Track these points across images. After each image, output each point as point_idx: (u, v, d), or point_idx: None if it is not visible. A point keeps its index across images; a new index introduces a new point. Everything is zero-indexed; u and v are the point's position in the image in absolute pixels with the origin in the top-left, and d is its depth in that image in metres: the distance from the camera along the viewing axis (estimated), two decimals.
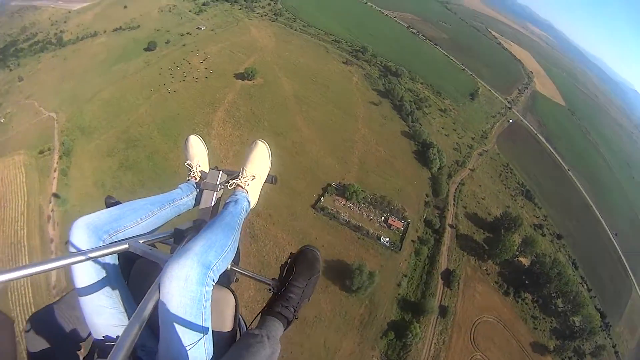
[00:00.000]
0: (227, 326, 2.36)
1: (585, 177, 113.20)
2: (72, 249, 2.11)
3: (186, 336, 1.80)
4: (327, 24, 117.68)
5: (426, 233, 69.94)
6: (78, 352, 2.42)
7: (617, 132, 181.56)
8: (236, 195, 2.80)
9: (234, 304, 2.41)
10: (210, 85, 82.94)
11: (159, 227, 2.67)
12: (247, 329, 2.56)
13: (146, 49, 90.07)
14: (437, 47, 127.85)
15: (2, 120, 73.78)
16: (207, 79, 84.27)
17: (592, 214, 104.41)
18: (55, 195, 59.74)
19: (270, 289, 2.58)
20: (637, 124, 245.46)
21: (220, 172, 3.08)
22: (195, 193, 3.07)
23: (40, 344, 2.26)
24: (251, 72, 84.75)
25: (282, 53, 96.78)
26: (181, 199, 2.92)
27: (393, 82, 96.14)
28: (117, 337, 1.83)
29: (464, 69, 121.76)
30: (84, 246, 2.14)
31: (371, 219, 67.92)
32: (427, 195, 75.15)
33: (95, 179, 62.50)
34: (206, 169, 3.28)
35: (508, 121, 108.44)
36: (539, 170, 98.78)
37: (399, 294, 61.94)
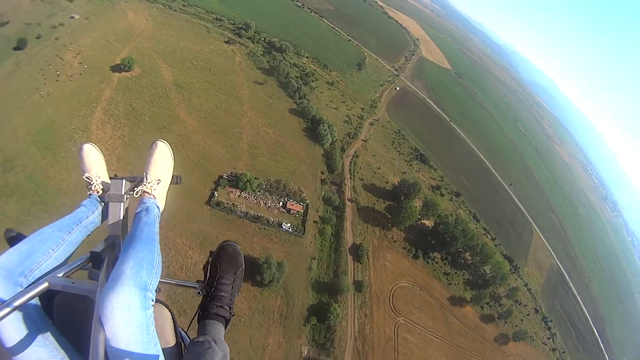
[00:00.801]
0: (170, 341, 2.33)
1: (475, 136, 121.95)
2: None
3: None
4: (208, 1, 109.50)
5: (327, 211, 69.31)
6: None
7: (502, 91, 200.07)
8: (145, 203, 2.64)
9: (171, 317, 2.41)
10: (86, 82, 72.68)
11: (72, 253, 2.41)
12: (189, 338, 2.53)
13: (16, 48, 74.74)
14: (323, 19, 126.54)
15: None
16: (81, 75, 73.37)
17: (485, 169, 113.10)
18: None
19: (199, 292, 2.56)
20: (519, 81, 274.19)
21: (123, 180, 2.78)
22: (100, 208, 2.79)
23: None
24: (128, 62, 75.69)
25: (160, 37, 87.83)
26: (87, 217, 2.65)
27: (278, 58, 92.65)
28: None
29: (350, 40, 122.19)
30: (1, 296, 1.87)
31: (269, 207, 65.45)
32: (322, 173, 74.23)
33: None
34: (107, 179, 3.00)
35: (395, 88, 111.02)
36: (430, 133, 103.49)
37: (311, 278, 61.57)
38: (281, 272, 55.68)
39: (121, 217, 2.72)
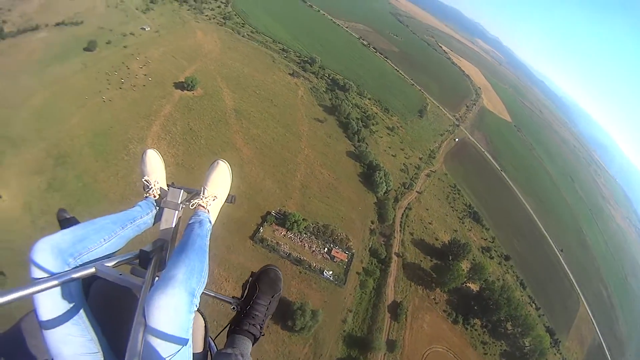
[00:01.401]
0: (199, 347, 2.42)
1: (530, 194, 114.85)
2: (37, 275, 1.95)
3: None
4: (276, 31, 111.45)
5: (372, 263, 65.83)
6: None
7: (560, 146, 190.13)
8: (199, 216, 2.72)
9: (204, 324, 2.52)
10: (148, 94, 74.42)
11: (120, 247, 2.51)
12: (216, 348, 2.64)
13: (86, 49, 79.11)
14: (387, 60, 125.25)
15: None
16: (145, 87, 75.48)
17: (538, 231, 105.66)
18: None
19: (233, 308, 2.66)
20: (578, 136, 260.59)
21: (181, 190, 2.91)
22: (154, 211, 2.92)
23: None
24: (192, 81, 76.99)
25: (226, 61, 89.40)
26: (141, 218, 2.77)
27: (340, 97, 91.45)
28: None
29: (413, 85, 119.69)
30: (48, 272, 1.96)
31: (313, 251, 62.72)
32: (372, 222, 70.93)
33: (22, 201, 54.10)
34: (164, 186, 3.16)
35: (455, 139, 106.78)
36: (486, 189, 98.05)
37: (344, 331, 57.98)
38: (314, 321, 52.77)
39: (173, 225, 2.75)
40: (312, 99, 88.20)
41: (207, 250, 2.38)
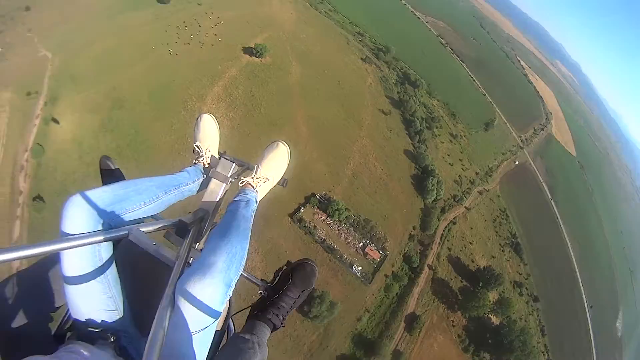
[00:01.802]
0: (217, 326, 2.18)
1: (577, 239, 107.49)
2: (68, 229, 1.85)
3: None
4: (355, 13, 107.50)
5: (402, 269, 63.90)
6: (48, 325, 2.17)
7: (618, 196, 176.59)
8: (247, 195, 2.54)
9: (228, 307, 2.42)
10: (215, 54, 73.50)
11: (159, 212, 2.39)
12: (234, 330, 2.53)
13: (160, 1, 79.47)
14: (463, 65, 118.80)
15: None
16: (213, 46, 74.88)
17: (574, 279, 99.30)
18: (34, 145, 53.55)
19: (261, 292, 2.53)
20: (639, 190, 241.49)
21: (234, 164, 2.73)
22: (201, 180, 2.76)
23: (5, 312, 2.04)
24: (261, 49, 75.42)
25: (299, 34, 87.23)
26: (186, 185, 2.60)
27: (409, 92, 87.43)
28: (102, 321, 1.90)
29: (484, 95, 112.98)
30: (81, 229, 1.86)
31: (348, 243, 61.38)
32: (414, 228, 68.40)
33: (75, 134, 55.50)
34: (216, 154, 2.94)
35: (515, 162, 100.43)
36: (534, 222, 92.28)
37: (356, 329, 57.15)
38: (330, 313, 52.24)
39: (217, 199, 2.61)
40: (380, 88, 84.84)
41: (249, 233, 2.16)
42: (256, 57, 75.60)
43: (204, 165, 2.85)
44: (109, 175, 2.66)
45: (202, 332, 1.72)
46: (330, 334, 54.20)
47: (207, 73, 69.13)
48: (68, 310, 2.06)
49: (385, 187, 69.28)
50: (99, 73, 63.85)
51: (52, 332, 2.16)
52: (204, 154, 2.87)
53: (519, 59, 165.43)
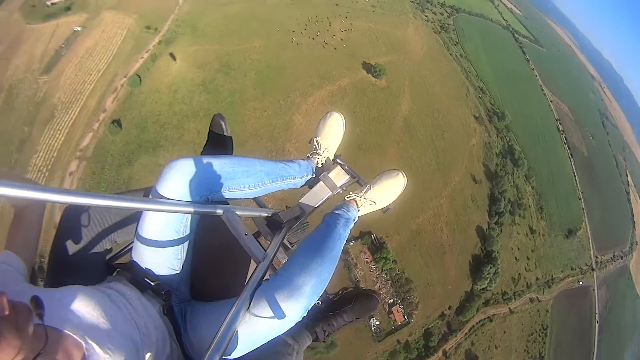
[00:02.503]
0: None
1: None
2: (163, 191, 1.63)
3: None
4: (484, 67, 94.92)
5: (417, 342, 54.25)
6: (105, 255, 1.92)
7: None
8: (349, 211, 2.18)
9: None
10: (335, 58, 66.90)
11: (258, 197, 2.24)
12: None
13: None
14: (571, 159, 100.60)
15: None
16: (335, 50, 68.56)
17: None
18: (133, 75, 52.71)
19: (318, 302, 2.31)
20: None
21: (347, 176, 2.42)
22: (309, 177, 2.41)
23: (70, 235, 1.79)
24: (380, 70, 67.40)
25: (422, 69, 77.76)
26: (294, 179, 2.30)
27: (507, 168, 74.49)
28: (160, 275, 1.71)
29: (580, 199, 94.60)
30: (178, 196, 1.63)
31: (379, 294, 52.75)
32: (449, 308, 58.12)
33: (173, 81, 53.43)
34: (331, 156, 2.56)
35: (579, 282, 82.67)
36: (568, 353, 75.75)
37: None
38: (326, 351, 45.38)
39: (318, 205, 2.29)
40: (481, 153, 73.16)
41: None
42: (373, 75, 68.01)
43: (317, 164, 2.43)
44: (218, 141, 2.33)
45: (262, 342, 1.53)
46: None
47: (320, 73, 63.17)
48: (129, 247, 1.86)
49: (441, 255, 59.24)
50: (219, 34, 60.84)
51: (106, 259, 1.89)
52: (321, 153, 2.44)
53: (627, 172, 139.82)
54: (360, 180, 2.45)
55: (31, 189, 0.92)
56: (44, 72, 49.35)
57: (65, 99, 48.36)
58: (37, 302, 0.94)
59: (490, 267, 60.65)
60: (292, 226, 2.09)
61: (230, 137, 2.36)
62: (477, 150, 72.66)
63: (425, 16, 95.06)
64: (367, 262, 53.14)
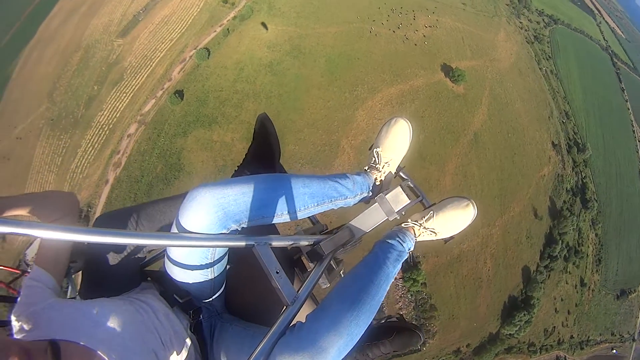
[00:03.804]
0: None
1: None
2: (187, 225, 1.26)
3: None
4: (575, 88, 72.74)
5: None
6: (139, 264, 1.62)
7: None
8: (403, 242, 1.63)
9: None
10: (413, 55, 51.97)
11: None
12: None
13: None
14: None
15: None
16: (415, 46, 53.14)
17: None
18: (202, 48, 44.73)
19: None
20: None
21: (409, 201, 1.74)
22: (364, 196, 1.74)
23: (103, 245, 1.51)
24: (459, 75, 51.89)
25: (506, 81, 59.49)
26: (346, 198, 1.64)
27: (574, 209, 56.37)
28: (191, 291, 1.41)
29: None
30: (201, 230, 1.25)
31: (400, 314, 40.74)
32: (467, 346, 45.53)
33: (241, 58, 44.21)
34: (394, 169, 1.85)
35: (614, 350, 61.50)
36: None
37: None
38: None
39: (369, 230, 1.70)
40: (550, 186, 55.44)
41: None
42: (450, 80, 52.10)
43: (376, 180, 1.76)
44: (264, 144, 1.84)
45: None
46: None
47: (393, 70, 48.97)
48: (162, 253, 1.55)
49: (476, 289, 45.60)
50: (295, 15, 49.07)
51: (139, 265, 1.58)
52: (381, 168, 1.76)
53: None
54: (424, 199, 1.78)
55: (54, 229, 0.82)
56: (120, 35, 44.19)
57: (136, 63, 42.97)
58: (53, 350, 0.88)
59: (524, 314, 46.26)
60: (336, 253, 1.54)
61: (277, 139, 1.81)
62: (547, 182, 54.84)
63: (520, 22, 73.79)
64: (395, 278, 41.10)
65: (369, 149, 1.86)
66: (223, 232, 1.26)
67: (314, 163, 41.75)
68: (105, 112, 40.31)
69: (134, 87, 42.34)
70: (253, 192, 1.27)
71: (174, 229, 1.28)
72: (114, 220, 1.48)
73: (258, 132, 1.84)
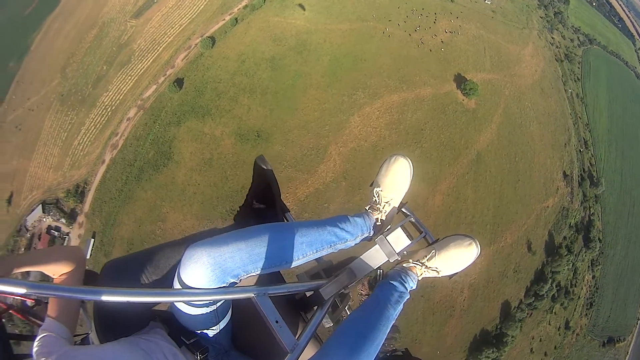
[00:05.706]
0: None
1: None
2: (186, 281, 1.10)
3: None
4: (600, 116, 54.69)
5: None
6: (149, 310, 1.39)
7: None
8: (405, 282, 1.40)
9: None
10: (426, 61, 38.41)
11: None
12: None
13: None
14: None
15: None
16: (430, 52, 39.44)
17: None
18: (207, 37, 35.99)
19: None
20: None
21: (410, 241, 1.49)
22: (364, 236, 1.50)
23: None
24: (472, 88, 37.89)
25: (524, 99, 44.11)
26: (346, 242, 1.41)
27: (574, 247, 41.31)
28: (198, 333, 1.24)
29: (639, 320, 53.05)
30: (200, 285, 1.10)
31: (405, 348, 31.22)
32: None
33: (244, 50, 34.43)
34: (396, 204, 1.57)
35: None
36: None
37: None
38: None
39: (370, 271, 1.43)
40: (552, 219, 41.00)
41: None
42: (462, 92, 38.33)
43: (377, 221, 1.50)
44: (260, 176, 1.52)
45: None
46: None
47: (400, 75, 36.48)
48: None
49: (447, 317, 34.15)
50: (310, 10, 35.85)
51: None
52: (381, 208, 1.50)
53: None
54: (427, 235, 1.52)
55: (59, 290, 0.75)
56: (134, 16, 36.82)
57: (144, 46, 35.73)
58: None
59: (493, 351, 34.24)
60: (337, 295, 1.31)
61: (275, 179, 1.50)
62: (549, 215, 40.44)
63: (552, 38, 54.68)
64: (361, 294, 31.11)
65: (370, 186, 1.54)
66: (222, 286, 1.10)
67: (297, 167, 32.03)
68: (109, 94, 34.24)
69: (139, 71, 35.17)
70: (248, 247, 1.10)
71: (176, 283, 1.12)
72: (121, 270, 1.28)
73: (256, 174, 1.53)
